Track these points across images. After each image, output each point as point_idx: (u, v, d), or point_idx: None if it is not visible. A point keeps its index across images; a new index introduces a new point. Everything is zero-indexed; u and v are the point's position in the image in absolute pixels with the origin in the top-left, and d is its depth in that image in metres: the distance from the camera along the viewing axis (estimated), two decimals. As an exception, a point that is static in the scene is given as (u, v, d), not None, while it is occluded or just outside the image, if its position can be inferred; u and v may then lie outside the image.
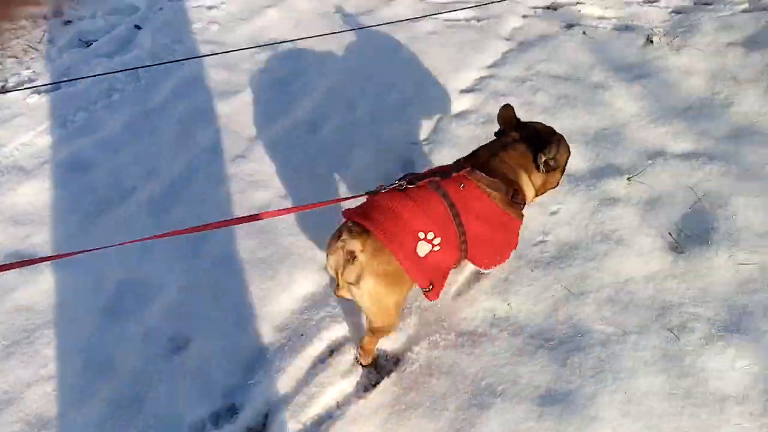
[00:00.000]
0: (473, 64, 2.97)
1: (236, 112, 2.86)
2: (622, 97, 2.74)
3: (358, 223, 1.58)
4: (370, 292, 1.59)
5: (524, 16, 3.28)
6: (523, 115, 2.04)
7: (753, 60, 2.77)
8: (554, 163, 1.79)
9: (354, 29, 3.05)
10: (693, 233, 2.14)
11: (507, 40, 3.13)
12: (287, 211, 1.71)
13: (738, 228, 2.13)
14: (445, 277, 1.76)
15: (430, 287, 1.68)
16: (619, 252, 2.12)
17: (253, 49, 3.09)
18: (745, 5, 3.14)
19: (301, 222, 2.33)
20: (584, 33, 3.11)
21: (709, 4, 3.25)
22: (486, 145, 1.85)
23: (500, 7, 3.28)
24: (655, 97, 2.71)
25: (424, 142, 2.63)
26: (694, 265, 2.05)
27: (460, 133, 2.62)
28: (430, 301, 1.73)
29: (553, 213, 2.29)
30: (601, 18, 3.25)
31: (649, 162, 2.41)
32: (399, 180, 1.66)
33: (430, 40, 3.11)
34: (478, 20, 3.24)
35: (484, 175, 1.69)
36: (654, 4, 3.31)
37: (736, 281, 1.99)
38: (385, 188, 1.65)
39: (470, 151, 1.84)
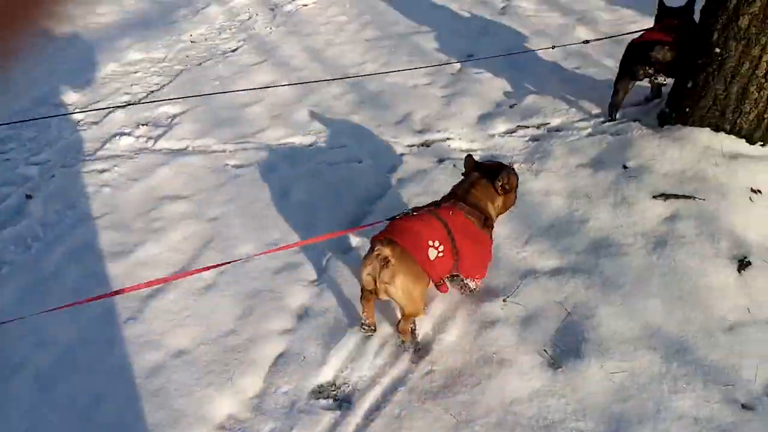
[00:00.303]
0: (358, 197, 3.20)
1: (128, 274, 2.87)
2: (493, 221, 2.99)
3: (386, 238, 2.17)
4: (402, 287, 2.17)
5: (401, 154, 3.57)
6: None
7: (600, 178, 3.13)
8: (508, 186, 2.47)
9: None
10: (567, 347, 2.30)
11: (387, 174, 3.38)
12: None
13: (606, 338, 2.31)
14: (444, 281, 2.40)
15: (441, 282, 2.34)
16: (502, 373, 2.23)
17: (146, 209, 3.17)
18: (589, 130, 3.59)
19: (191, 381, 2.31)
20: (454, 166, 3.41)
21: (559, 130, 3.68)
22: (459, 184, 2.52)
23: (375, 146, 3.58)
24: (522, 219, 2.98)
25: (316, 283, 2.73)
26: (571, 379, 2.18)
27: (346, 272, 2.75)
28: (443, 293, 2.41)
29: (439, 340, 2.39)
30: (468, 150, 3.59)
31: (522, 281, 2.61)
32: (405, 211, 2.37)
33: (321, 173, 3.33)
34: (359, 161, 3.50)
35: (464, 205, 2.37)
36: (513, 134, 3.71)
37: (610, 391, 2.13)
38: (398, 215, 2.34)
39: (449, 191, 2.50)
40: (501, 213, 2.57)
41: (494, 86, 4.31)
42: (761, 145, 3.15)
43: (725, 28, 2.98)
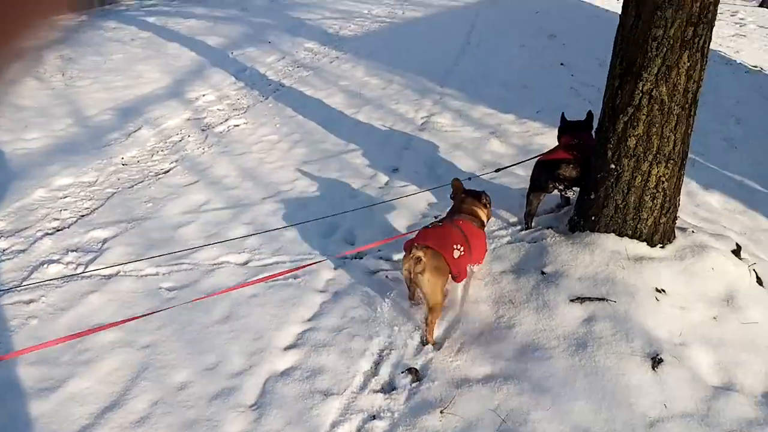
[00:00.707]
0: (295, 320, 3.22)
1: (56, 411, 2.72)
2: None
3: (419, 244, 2.95)
4: (429, 279, 2.93)
5: (335, 268, 3.68)
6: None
7: (522, 284, 3.35)
8: (488, 202, 3.53)
9: (175, 306, 3.21)
10: (504, 455, 2.36)
11: (322, 292, 3.46)
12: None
13: (539, 442, 2.40)
14: (465, 271, 3.22)
15: (458, 275, 3.14)
16: (444, 489, 2.25)
17: (74, 340, 3.06)
18: (508, 238, 3.86)
19: None
20: (386, 277, 3.55)
21: (483, 239, 3.94)
22: (457, 203, 3.52)
23: (312, 261, 3.69)
24: (454, 327, 3.12)
25: (253, 408, 2.70)
26: (510, 488, 2.23)
27: (287, 392, 2.74)
28: (458, 282, 3.27)
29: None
30: (398, 261, 3.76)
31: (457, 391, 2.69)
32: (432, 223, 3.34)
33: (252, 302, 3.34)
34: (296, 277, 3.57)
35: (467, 215, 3.37)
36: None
37: (548, 496, 2.19)
38: (427, 226, 3.24)
39: (451, 208, 3.53)
40: (487, 220, 3.53)
41: (419, 198, 4.59)
42: (660, 247, 3.49)
43: (617, 147, 3.39)
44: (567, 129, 4.11)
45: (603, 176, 3.49)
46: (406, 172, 5.14)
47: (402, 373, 2.84)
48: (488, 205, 3.52)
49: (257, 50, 9.57)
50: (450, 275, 3.08)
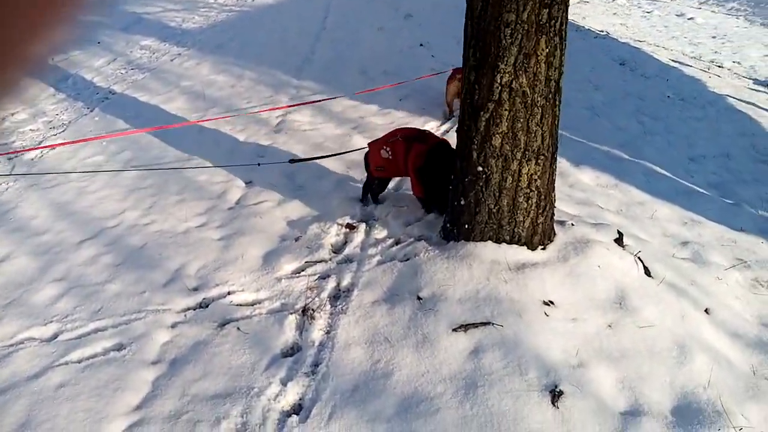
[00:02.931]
0: (118, 411, 2.51)
1: None
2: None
3: None
4: None
5: (173, 326, 3.00)
6: None
7: (397, 315, 2.88)
8: None
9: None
10: None
11: (155, 363, 2.77)
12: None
13: None
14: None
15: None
16: None
17: None
18: (378, 257, 3.38)
19: None
20: (238, 329, 2.93)
21: (350, 260, 3.43)
22: None
23: (143, 322, 2.98)
24: (322, 386, 2.58)
25: None
26: None
27: None
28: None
29: None
30: (254, 303, 3.15)
31: (330, 478, 2.17)
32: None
33: (60, 395, 2.58)
34: (120, 348, 2.84)
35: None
36: (302, 273, 3.36)
37: None
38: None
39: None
40: None
41: (276, 216, 3.98)
42: (542, 249, 3.17)
43: (482, 148, 3.00)
44: None
45: (471, 180, 3.09)
46: (261, 184, 4.50)
47: (261, 462, 2.27)
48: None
49: (83, 53, 8.35)
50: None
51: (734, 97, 7.63)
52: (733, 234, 4.05)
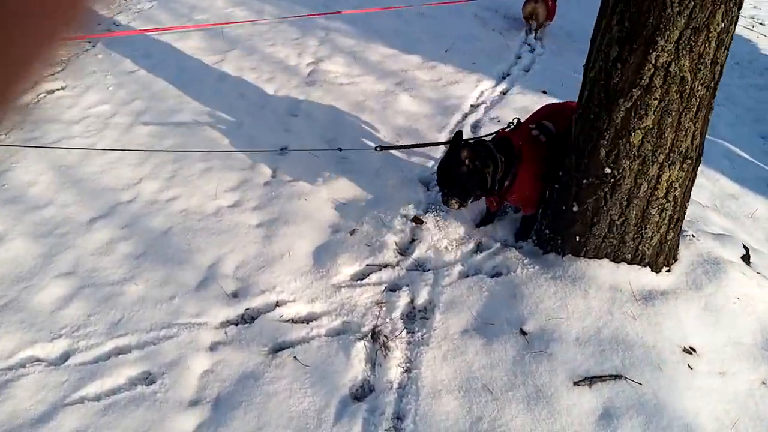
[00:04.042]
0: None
1: None
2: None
3: None
4: None
5: (212, 348, 2.41)
6: None
7: (497, 355, 2.30)
8: None
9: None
10: None
11: (194, 405, 2.19)
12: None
13: None
14: None
15: None
16: None
17: None
18: (459, 267, 2.77)
19: None
20: (295, 358, 2.35)
21: (423, 268, 2.82)
22: None
23: (175, 342, 2.38)
24: (410, 449, 2.03)
25: None
26: None
27: None
28: None
29: None
30: (310, 320, 2.56)
31: None
32: None
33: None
34: (148, 380, 2.26)
35: None
36: (364, 280, 2.76)
37: None
38: None
39: None
40: None
41: (323, 198, 3.33)
42: (667, 270, 2.58)
43: (614, 145, 2.33)
44: None
45: (592, 183, 2.45)
46: (299, 154, 3.81)
47: None
48: None
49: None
50: None
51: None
52: None
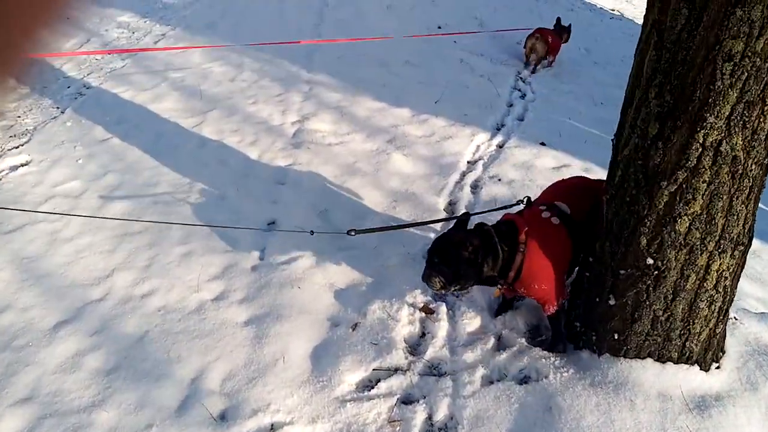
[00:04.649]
0: None
1: None
2: None
3: None
4: None
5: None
6: None
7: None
8: None
9: None
10: None
11: None
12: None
13: None
14: None
15: None
16: None
17: None
18: (482, 371, 2.41)
19: None
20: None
21: (439, 372, 2.46)
22: None
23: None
24: None
25: None
26: None
27: None
28: None
29: None
30: (314, 448, 2.18)
31: None
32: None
33: None
34: None
35: None
36: (372, 391, 2.39)
37: None
38: None
39: None
40: None
41: (319, 284, 2.99)
42: (716, 367, 2.26)
43: (657, 233, 2.03)
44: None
45: (632, 275, 2.14)
46: (288, 226, 3.47)
47: None
48: None
49: (48, 30, 7.04)
50: None
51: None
52: None
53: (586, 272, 2.35)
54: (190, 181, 3.96)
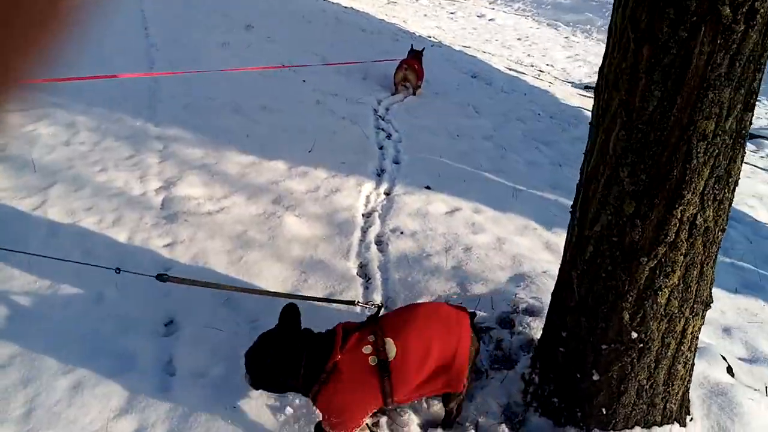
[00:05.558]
0: None
1: None
2: None
3: None
4: None
5: None
6: None
7: None
8: None
9: None
10: None
11: None
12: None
13: None
14: None
15: None
16: None
17: None
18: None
19: None
20: None
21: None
22: None
23: None
24: None
25: None
26: None
27: None
28: None
29: None
30: None
31: None
32: None
33: None
34: None
35: None
36: None
37: None
38: None
39: None
40: None
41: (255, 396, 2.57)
42: (690, 419, 2.33)
43: (639, 307, 2.03)
44: None
45: (615, 349, 2.11)
46: (197, 330, 2.98)
47: None
48: None
49: None
50: None
51: (587, 109, 7.47)
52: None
53: (559, 348, 2.29)
54: (51, 284, 3.24)
